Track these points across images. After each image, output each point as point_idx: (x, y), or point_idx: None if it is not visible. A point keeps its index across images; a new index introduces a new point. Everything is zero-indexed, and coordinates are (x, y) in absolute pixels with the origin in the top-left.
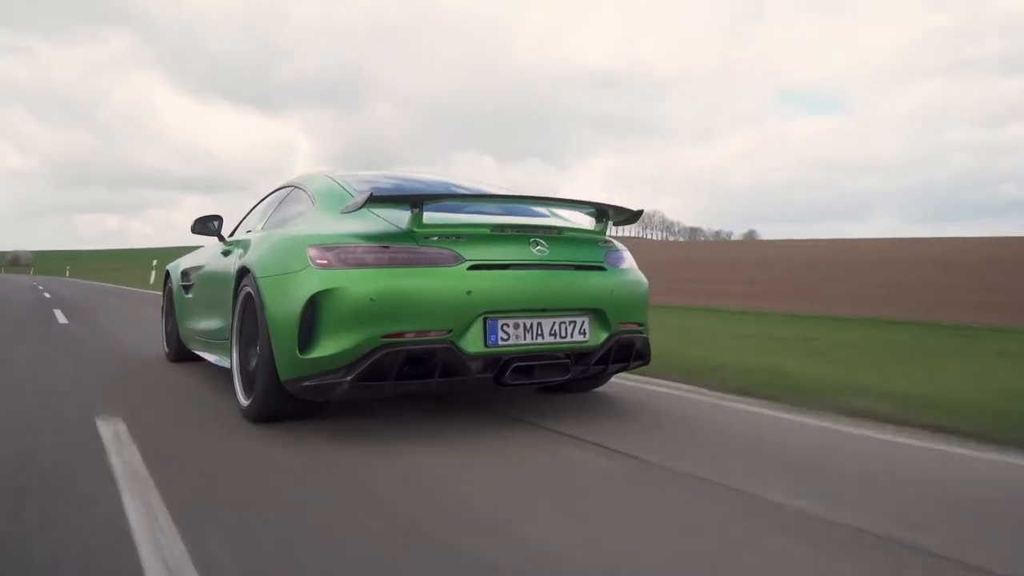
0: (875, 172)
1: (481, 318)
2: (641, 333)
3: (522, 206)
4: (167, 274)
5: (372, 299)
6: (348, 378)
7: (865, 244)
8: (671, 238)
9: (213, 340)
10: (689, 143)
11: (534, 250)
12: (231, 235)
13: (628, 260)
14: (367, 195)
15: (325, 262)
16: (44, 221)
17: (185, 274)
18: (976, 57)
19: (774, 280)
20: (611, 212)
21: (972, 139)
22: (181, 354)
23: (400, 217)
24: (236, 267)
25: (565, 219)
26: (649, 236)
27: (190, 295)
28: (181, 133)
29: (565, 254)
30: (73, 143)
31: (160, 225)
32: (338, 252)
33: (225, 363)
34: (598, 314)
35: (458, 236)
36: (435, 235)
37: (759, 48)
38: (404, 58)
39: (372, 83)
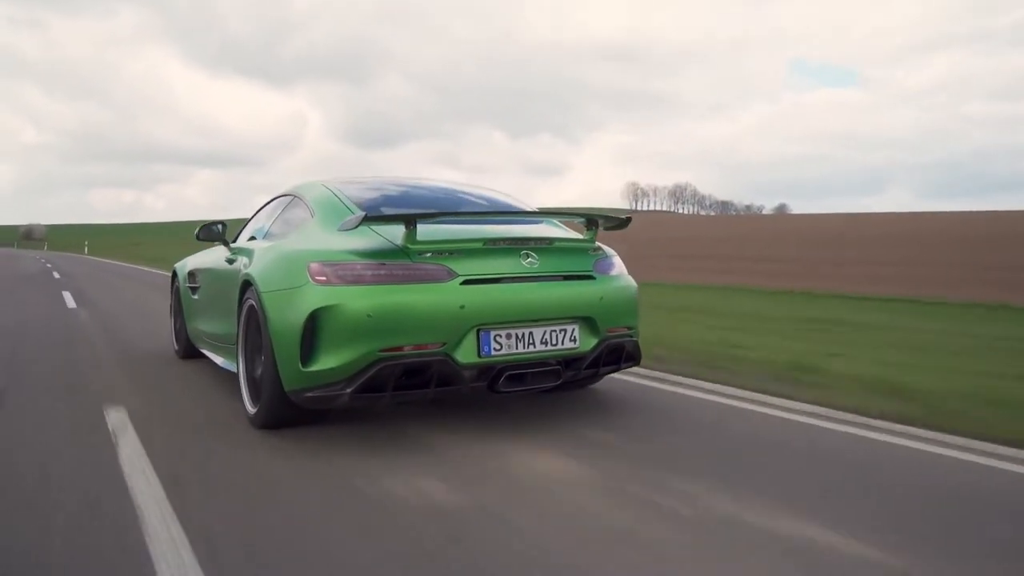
0: (890, 146)
1: (474, 330)
2: (631, 336)
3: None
4: (174, 273)
5: (369, 315)
6: (348, 390)
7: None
8: (702, 212)
9: (219, 343)
10: (702, 117)
11: (524, 263)
12: (234, 240)
13: (617, 266)
14: (362, 216)
15: (324, 278)
16: (58, 195)
17: (191, 275)
18: (998, 27)
19: (845, 260)
20: (600, 220)
21: (993, 112)
22: (190, 351)
23: (395, 233)
24: (240, 278)
25: (557, 225)
26: (681, 210)
27: (196, 296)
28: (193, 107)
29: (555, 265)
30: (87, 118)
31: (173, 200)
32: (336, 269)
33: (231, 367)
34: (587, 321)
35: (451, 252)
36: (429, 251)
37: (774, 19)
38: (415, 30)
39: (383, 56)
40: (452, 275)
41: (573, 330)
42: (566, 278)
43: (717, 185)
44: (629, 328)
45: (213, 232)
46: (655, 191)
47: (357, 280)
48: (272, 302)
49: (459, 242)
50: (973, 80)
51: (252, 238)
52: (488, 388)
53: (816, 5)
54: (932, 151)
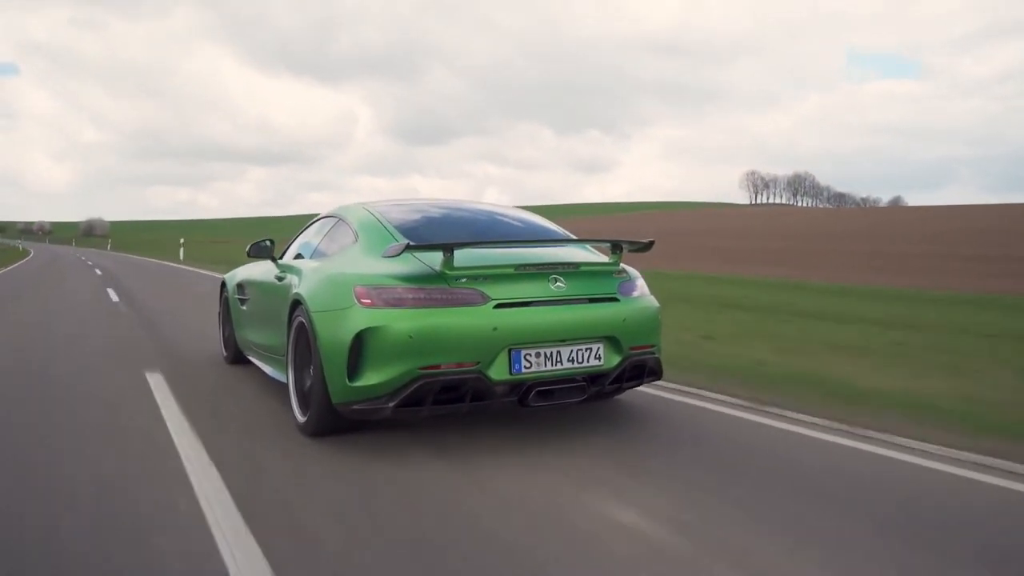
0: (952, 139)
1: (506, 349)
2: (653, 354)
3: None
4: (223, 284)
5: (411, 336)
6: (390, 404)
7: None
8: (819, 204)
9: (268, 354)
10: (754, 110)
11: (553, 286)
12: (281, 256)
13: (640, 288)
14: (404, 245)
15: (369, 301)
16: (117, 194)
17: (240, 287)
18: None
19: None
20: (625, 245)
21: None
22: (238, 358)
23: (434, 259)
24: (291, 296)
25: (586, 250)
26: (800, 202)
27: (245, 308)
28: (246, 106)
29: (581, 288)
30: (144, 117)
31: (225, 197)
32: (380, 292)
33: (280, 377)
34: (612, 340)
35: (485, 277)
36: (464, 276)
37: (831, 8)
38: (464, 25)
39: (432, 52)
40: (486, 299)
41: (598, 348)
42: (592, 300)
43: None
44: (652, 346)
45: (262, 249)
46: (774, 181)
47: (400, 303)
48: (321, 321)
49: (492, 268)
50: None
51: (299, 255)
52: (518, 403)
53: None
54: (997, 143)
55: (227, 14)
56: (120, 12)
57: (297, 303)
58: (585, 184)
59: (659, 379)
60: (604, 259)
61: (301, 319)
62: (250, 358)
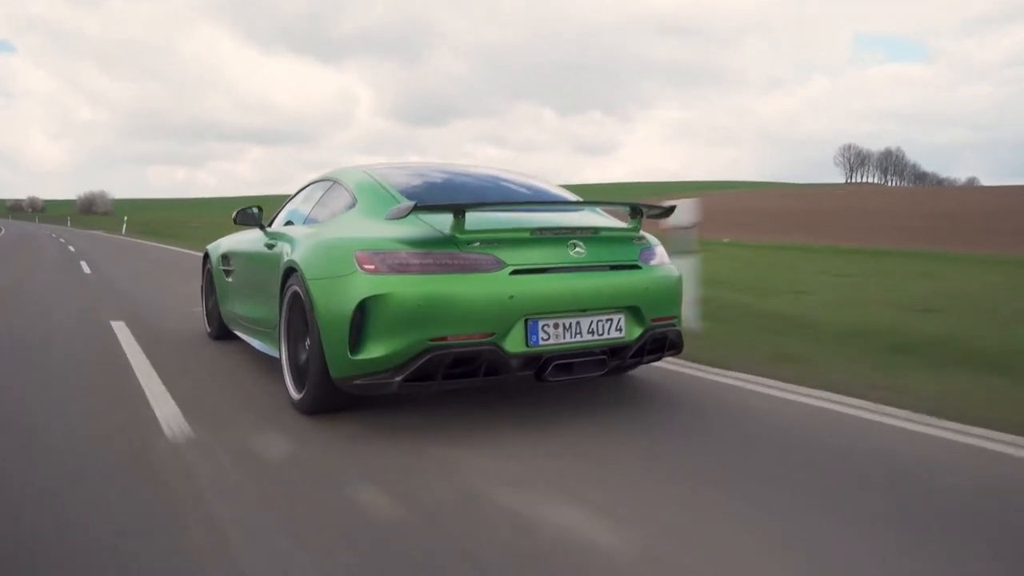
0: (959, 124)
1: (523, 320)
2: (674, 326)
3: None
4: (206, 254)
5: (419, 304)
6: (397, 378)
7: None
8: (902, 183)
9: (258, 327)
10: (760, 93)
11: (572, 252)
12: (270, 224)
13: (660, 255)
14: (411, 205)
15: (372, 267)
16: (115, 172)
17: (225, 258)
18: None
19: None
20: (644, 209)
21: None
22: (223, 332)
23: (442, 221)
24: (283, 264)
25: (600, 214)
26: (890, 182)
27: (231, 279)
28: (245, 85)
29: (602, 255)
30: (142, 95)
31: (223, 177)
32: (385, 257)
33: (271, 352)
34: (633, 311)
35: (499, 241)
36: (477, 240)
37: None
38: (468, 6)
39: (433, 33)
40: (501, 265)
41: (619, 320)
42: (613, 268)
43: (772, 163)
44: (673, 317)
45: (250, 216)
46: (868, 157)
47: (406, 269)
48: (319, 290)
49: (507, 231)
50: None
51: (289, 223)
52: (535, 377)
53: None
54: (1005, 129)
55: None
56: None
57: (291, 271)
58: (586, 166)
59: (679, 353)
60: (622, 224)
61: (295, 288)
62: (237, 333)
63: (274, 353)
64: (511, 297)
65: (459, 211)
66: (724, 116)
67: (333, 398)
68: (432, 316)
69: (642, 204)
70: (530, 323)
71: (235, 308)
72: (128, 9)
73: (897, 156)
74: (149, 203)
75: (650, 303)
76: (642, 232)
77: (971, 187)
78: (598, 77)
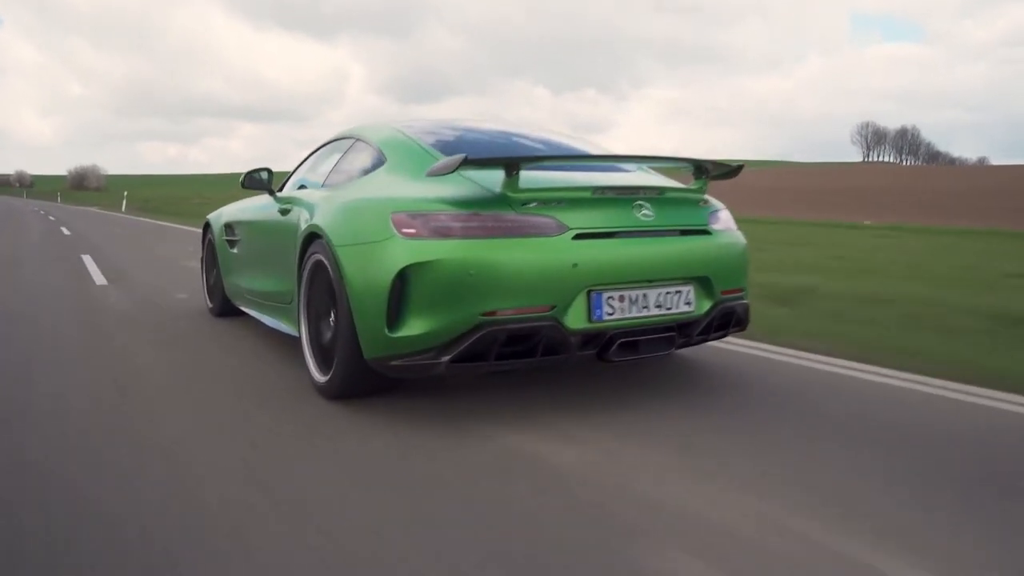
0: (955, 104)
1: (585, 291)
2: (742, 299)
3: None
4: (206, 225)
5: (471, 273)
6: (443, 359)
7: None
8: (914, 162)
9: (271, 302)
10: (756, 72)
11: (639, 215)
12: (280, 189)
13: (727, 220)
14: (461, 158)
15: (413, 231)
16: (106, 148)
17: (229, 227)
18: None
19: None
20: (710, 167)
21: None
22: (226, 308)
23: (490, 179)
24: (303, 230)
25: (653, 174)
26: (906, 161)
27: (236, 250)
28: (236, 61)
29: (670, 218)
30: (133, 71)
31: (216, 153)
32: (427, 220)
33: (287, 329)
34: (703, 282)
35: (558, 201)
36: (533, 200)
37: None
38: None
39: (427, 8)
40: (562, 228)
41: (688, 292)
42: (683, 233)
43: (767, 142)
44: (741, 289)
45: (257, 180)
46: (885, 135)
47: (452, 232)
48: (349, 258)
49: (566, 190)
50: None
51: (302, 187)
52: (597, 356)
53: None
54: (1002, 108)
55: None
56: None
57: (313, 238)
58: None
59: (743, 330)
60: (684, 185)
61: (319, 257)
62: (243, 309)
63: (291, 331)
64: (575, 265)
65: (513, 166)
66: (720, 96)
67: (366, 381)
68: (484, 286)
69: (707, 161)
70: (593, 295)
71: (242, 281)
72: None
73: (912, 134)
74: (141, 179)
75: (721, 273)
76: (706, 195)
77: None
78: (592, 54)
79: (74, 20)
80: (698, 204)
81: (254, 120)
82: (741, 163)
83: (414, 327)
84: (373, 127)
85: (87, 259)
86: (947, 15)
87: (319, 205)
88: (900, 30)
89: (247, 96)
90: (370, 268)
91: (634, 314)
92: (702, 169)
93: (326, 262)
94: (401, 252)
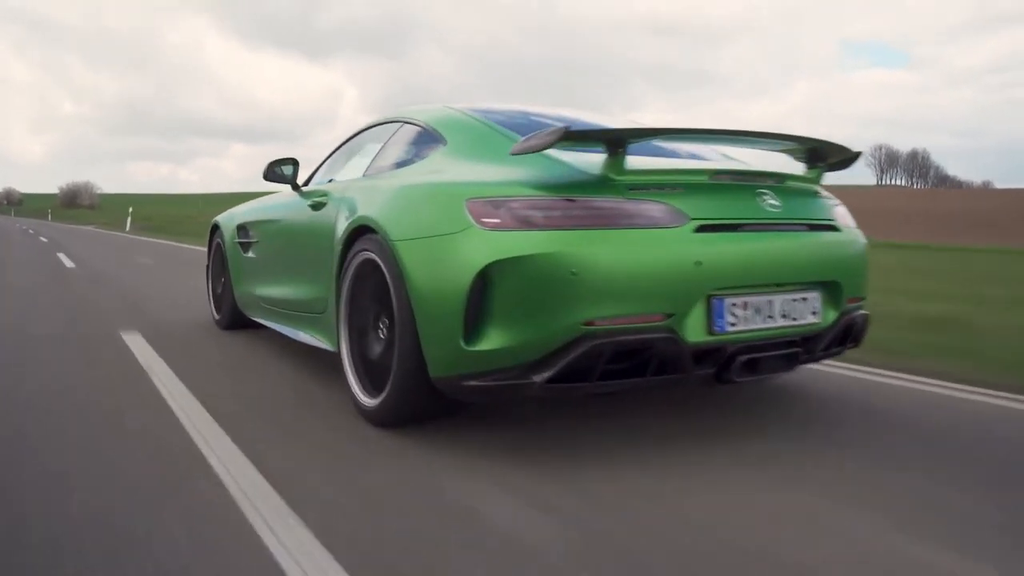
0: (941, 130)
1: (704, 298)
2: (862, 309)
3: (694, 146)
4: (214, 228)
5: (574, 272)
6: (536, 378)
7: None
8: (926, 186)
9: (297, 312)
10: (746, 95)
11: (765, 205)
12: (305, 184)
13: (846, 216)
14: (561, 130)
15: (496, 220)
16: (95, 167)
17: (242, 229)
18: None
19: None
20: (829, 152)
21: None
22: (236, 321)
23: (580, 160)
24: (347, 225)
25: (730, 158)
26: (917, 184)
27: (251, 254)
28: (230, 81)
29: (797, 210)
30: (125, 89)
31: (207, 173)
32: (514, 207)
33: (319, 342)
34: (830, 288)
35: (673, 186)
36: (644, 185)
37: None
38: (458, 3)
39: (421, 29)
40: (682, 218)
41: (815, 299)
42: (811, 227)
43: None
44: (863, 298)
45: (280, 174)
46: (897, 158)
47: (548, 222)
48: (413, 255)
49: (682, 173)
50: None
51: (332, 180)
52: (715, 378)
53: None
54: (987, 135)
55: None
56: None
57: (360, 233)
58: None
59: (858, 346)
60: (801, 173)
61: (368, 255)
62: (258, 320)
63: (324, 344)
64: (698, 263)
65: (618, 142)
66: (711, 119)
67: (428, 404)
68: (589, 289)
69: (828, 144)
70: (714, 301)
71: (258, 289)
72: (111, 2)
73: (923, 158)
74: (133, 198)
75: (850, 278)
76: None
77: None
78: (584, 77)
79: (67, 38)
80: (818, 196)
81: (246, 140)
82: (859, 152)
83: (498, 339)
84: (423, 109)
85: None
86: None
87: (367, 195)
88: (887, 56)
89: (240, 116)
90: (441, 266)
91: (758, 325)
92: (817, 155)
93: (379, 261)
94: (482, 247)
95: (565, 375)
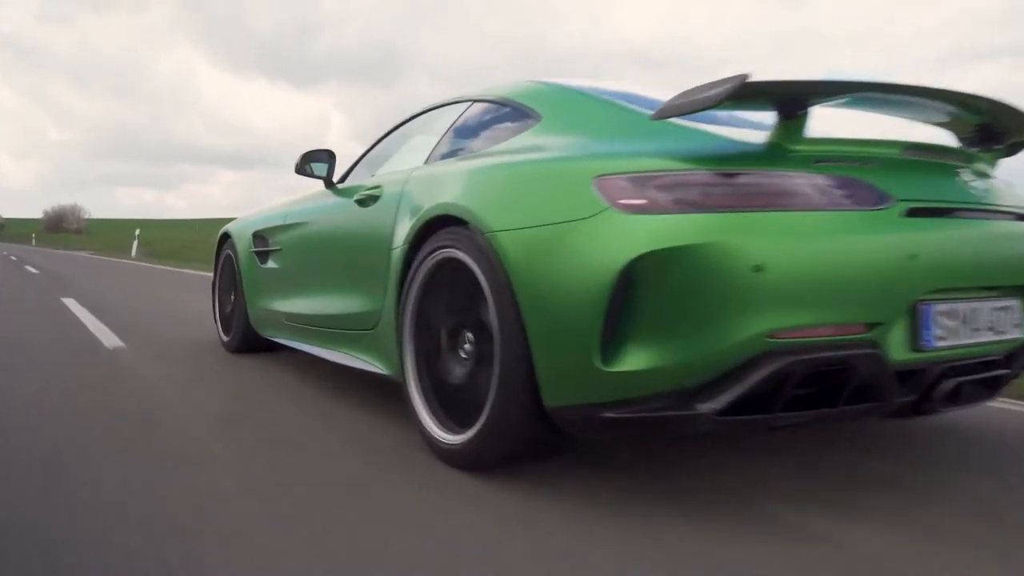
0: None
1: (910, 304)
2: None
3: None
4: (223, 239)
5: (758, 267)
6: (703, 408)
7: None
8: None
9: (338, 329)
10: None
11: (969, 188)
12: (341, 181)
13: None
14: (741, 78)
15: (643, 202)
16: (81, 192)
17: (260, 237)
18: None
19: None
20: (1008, 134)
21: None
22: (248, 343)
23: (735, 133)
24: (416, 218)
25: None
26: None
27: (272, 264)
28: (218, 108)
29: (997, 196)
30: (112, 116)
31: (194, 199)
32: (667, 184)
33: (369, 366)
34: None
35: (865, 160)
36: (832, 156)
37: (808, 26)
38: (443, 32)
39: (410, 57)
40: (888, 199)
41: (1015, 308)
42: (1019, 218)
43: None
44: None
45: (313, 166)
46: None
47: (717, 203)
48: (521, 249)
49: (871, 145)
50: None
51: (374, 174)
52: (914, 408)
53: (853, 12)
54: None
55: (201, 14)
56: (91, 7)
57: (440, 224)
58: None
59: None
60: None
61: (449, 253)
62: (278, 341)
63: (376, 367)
64: (912, 258)
65: (798, 103)
66: None
67: (536, 441)
68: (777, 290)
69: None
70: (922, 308)
71: (282, 305)
72: (99, 28)
73: None
74: (119, 223)
75: None
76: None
77: None
78: None
79: (54, 63)
80: (1001, 182)
81: (234, 167)
82: None
83: (649, 357)
84: (498, 84)
85: None
86: (915, 73)
87: (444, 181)
88: None
89: (227, 142)
90: (566, 263)
91: (966, 340)
92: (992, 132)
93: (466, 260)
94: (626, 236)
95: (741, 404)
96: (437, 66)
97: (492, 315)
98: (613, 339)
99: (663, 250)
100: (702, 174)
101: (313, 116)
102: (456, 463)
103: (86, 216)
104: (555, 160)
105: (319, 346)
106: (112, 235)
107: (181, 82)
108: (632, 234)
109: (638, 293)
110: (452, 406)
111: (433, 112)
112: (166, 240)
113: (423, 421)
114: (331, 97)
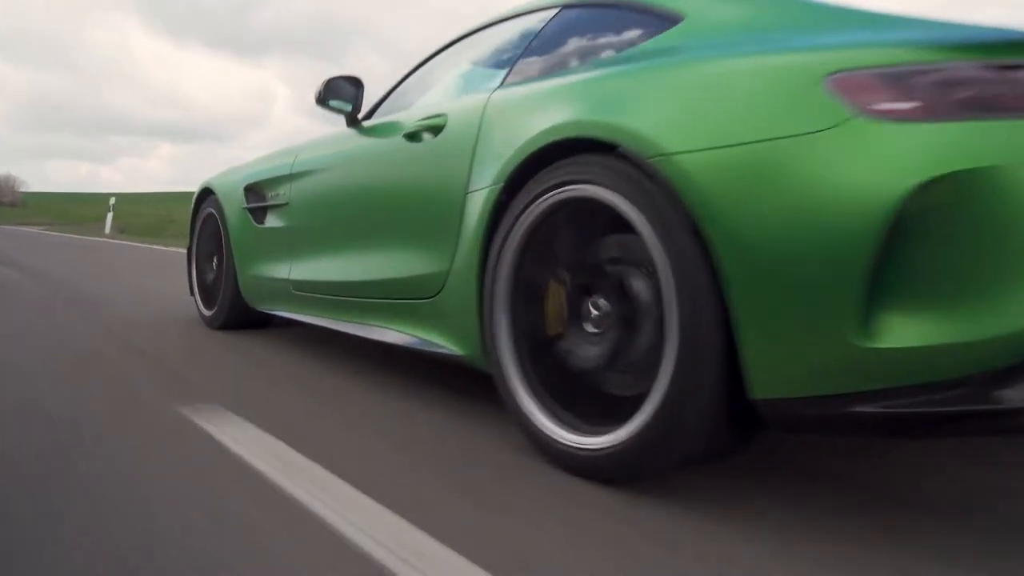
0: None
1: None
2: None
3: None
4: (204, 194)
5: None
6: (1021, 400)
7: None
8: None
9: (380, 298)
10: None
11: None
12: (367, 117)
13: None
14: None
15: (907, 106)
16: (8, 166)
17: (253, 191)
18: None
19: None
20: None
21: None
22: (236, 317)
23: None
24: (516, 149)
25: None
26: None
27: (276, 222)
28: (156, 79)
29: None
30: (43, 86)
31: (131, 173)
32: (947, 80)
33: (429, 344)
34: None
35: None
36: None
37: None
38: (391, 5)
39: (357, 29)
40: None
41: None
42: None
43: None
44: None
45: (336, 104)
46: None
47: (1016, 105)
48: (723, 178)
49: None
50: None
51: (418, 105)
52: None
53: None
54: None
55: None
56: None
57: (563, 150)
58: None
59: None
60: None
61: (582, 190)
62: (280, 314)
63: (440, 344)
64: None
65: None
66: None
67: (715, 440)
68: None
69: None
70: None
71: (289, 271)
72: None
73: None
74: (55, 196)
75: None
76: None
77: None
78: None
79: None
80: None
81: (173, 140)
82: None
83: (934, 329)
84: None
85: None
86: None
87: (557, 96)
88: None
89: (165, 115)
90: (794, 197)
91: None
92: None
93: (613, 199)
94: (892, 155)
95: None
96: (383, 40)
97: (664, 275)
98: (878, 304)
99: (960, 174)
100: (994, 69)
101: (256, 88)
102: (595, 473)
103: (22, 188)
104: (758, 56)
105: (346, 320)
106: (47, 210)
107: (115, 50)
108: (904, 152)
109: (916, 238)
110: (576, 398)
111: (493, 28)
112: (133, 214)
113: (533, 419)
114: (275, 69)
